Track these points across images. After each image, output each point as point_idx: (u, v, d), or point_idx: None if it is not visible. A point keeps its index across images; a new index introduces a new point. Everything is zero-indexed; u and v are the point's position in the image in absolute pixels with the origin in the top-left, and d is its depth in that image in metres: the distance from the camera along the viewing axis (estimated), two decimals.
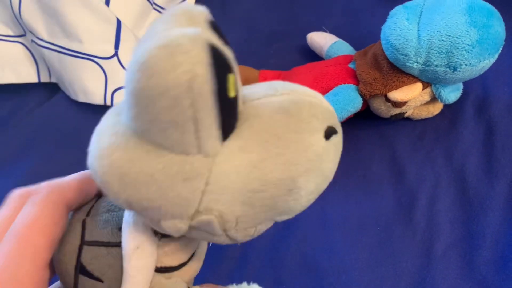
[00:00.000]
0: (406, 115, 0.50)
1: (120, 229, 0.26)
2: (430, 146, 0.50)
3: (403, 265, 0.43)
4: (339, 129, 0.24)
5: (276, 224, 0.46)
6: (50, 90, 0.70)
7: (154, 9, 0.72)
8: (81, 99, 0.63)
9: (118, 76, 0.63)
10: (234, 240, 0.23)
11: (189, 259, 0.28)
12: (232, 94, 0.19)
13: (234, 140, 0.21)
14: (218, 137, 0.20)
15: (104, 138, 0.21)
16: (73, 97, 0.64)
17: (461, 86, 0.49)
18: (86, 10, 0.61)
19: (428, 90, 0.47)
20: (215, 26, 0.20)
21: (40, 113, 0.67)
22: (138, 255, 0.25)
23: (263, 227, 0.23)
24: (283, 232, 0.47)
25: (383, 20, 0.48)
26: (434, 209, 0.46)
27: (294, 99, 0.22)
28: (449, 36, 0.42)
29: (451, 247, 0.43)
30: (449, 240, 0.44)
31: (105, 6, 0.62)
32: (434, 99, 0.48)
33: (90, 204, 0.28)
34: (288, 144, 0.21)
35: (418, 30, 0.44)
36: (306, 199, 0.23)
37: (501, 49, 0.43)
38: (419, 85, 0.46)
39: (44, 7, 0.62)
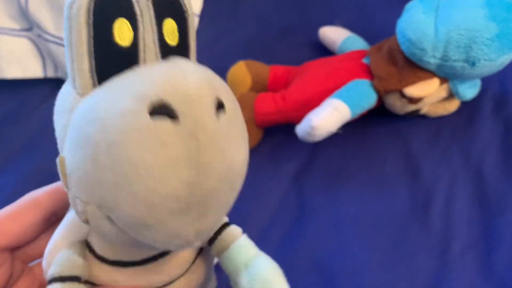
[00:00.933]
0: (421, 112, 0.49)
1: None
2: (446, 144, 0.49)
3: (418, 266, 0.42)
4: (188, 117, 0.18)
5: (286, 223, 0.46)
6: (56, 85, 0.69)
7: None
8: None
9: None
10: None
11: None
12: (123, 42, 0.19)
13: (104, 86, 0.19)
14: (89, 77, 0.19)
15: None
16: None
17: (479, 82, 0.48)
18: None
19: (445, 86, 0.46)
20: None
21: (46, 109, 0.66)
22: None
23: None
24: (293, 232, 0.46)
25: (398, 14, 0.47)
26: (451, 209, 0.45)
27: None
28: (468, 30, 0.41)
29: (468, 248, 0.42)
30: (466, 241, 0.42)
31: None
32: (450, 95, 0.47)
33: None
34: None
35: (436, 24, 0.43)
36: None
37: None
38: (435, 81, 0.45)
39: (51, 1, 0.61)
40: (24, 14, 0.64)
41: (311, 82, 0.49)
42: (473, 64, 0.42)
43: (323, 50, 0.61)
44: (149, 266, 0.25)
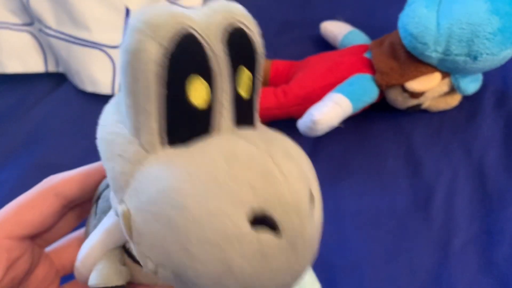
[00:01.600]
0: (423, 106, 0.49)
1: None
2: (447, 139, 0.49)
3: (419, 260, 0.42)
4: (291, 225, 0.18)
5: None
6: (57, 80, 0.69)
7: None
8: (89, 89, 0.62)
9: None
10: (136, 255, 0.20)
11: None
12: (197, 102, 0.18)
13: (178, 150, 0.18)
14: (157, 134, 0.18)
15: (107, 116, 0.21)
16: (81, 87, 0.64)
17: (480, 77, 0.48)
18: None
19: (446, 80, 0.46)
20: (237, 40, 0.19)
21: (47, 104, 0.66)
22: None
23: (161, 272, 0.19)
24: None
25: (399, 9, 0.47)
26: (452, 204, 0.44)
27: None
28: (470, 24, 0.41)
29: (469, 243, 0.42)
30: (467, 236, 0.42)
31: None
32: (452, 90, 0.47)
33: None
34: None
35: (438, 18, 0.43)
36: None
37: None
38: (437, 75, 0.45)
39: None
40: (25, 8, 0.64)
41: (313, 77, 0.48)
42: (475, 58, 0.42)
43: (325, 45, 0.60)
44: None
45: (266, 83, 0.54)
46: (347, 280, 0.42)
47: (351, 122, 0.50)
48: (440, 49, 0.43)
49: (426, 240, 0.43)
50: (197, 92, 0.17)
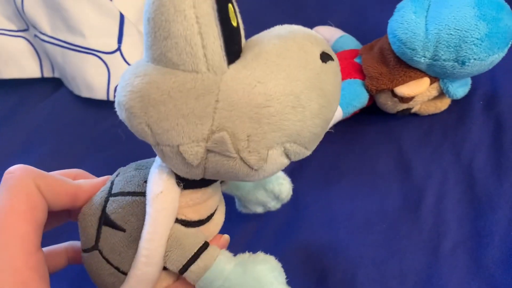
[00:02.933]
0: (413, 110, 0.50)
1: (146, 181, 0.28)
2: (437, 142, 0.49)
3: (410, 263, 0.42)
4: (335, 57, 0.26)
5: (279, 221, 0.46)
6: (53, 85, 0.69)
7: None
8: (84, 94, 0.63)
9: (121, 71, 0.62)
10: (248, 165, 0.24)
11: (208, 219, 0.29)
12: (234, 23, 0.23)
13: (239, 63, 0.23)
14: (223, 56, 0.22)
15: (127, 75, 0.23)
16: (76, 92, 0.64)
17: (469, 81, 0.48)
18: (89, 5, 0.60)
19: (435, 85, 0.46)
20: None
21: (43, 109, 0.67)
22: (160, 199, 0.26)
23: (275, 155, 0.24)
24: (286, 229, 0.46)
25: (390, 14, 0.47)
26: (442, 206, 0.45)
27: (289, 29, 0.25)
28: (458, 29, 0.41)
29: (458, 245, 0.42)
30: (457, 238, 0.43)
31: (108, 0, 0.61)
32: (441, 94, 0.48)
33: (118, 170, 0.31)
34: (288, 62, 0.23)
35: (426, 24, 0.43)
36: (311, 122, 0.24)
37: (511, 43, 0.43)
38: (426, 80, 0.45)
39: (47, 2, 0.61)
40: (20, 14, 0.64)
41: None
42: (463, 63, 0.42)
43: None
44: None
45: None
46: (339, 282, 0.42)
47: (342, 126, 0.51)
48: (428, 54, 0.43)
49: (417, 243, 0.43)
50: (232, 15, 0.23)
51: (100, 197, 0.29)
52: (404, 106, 0.48)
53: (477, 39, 0.41)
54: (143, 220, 0.27)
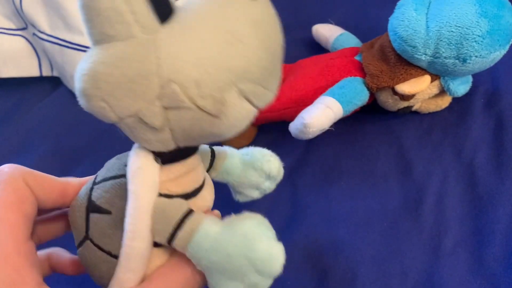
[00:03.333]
0: (413, 108, 0.49)
1: (126, 165, 0.28)
2: (438, 141, 0.49)
3: (411, 262, 0.42)
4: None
5: (280, 220, 0.46)
6: (52, 84, 0.69)
7: None
8: None
9: None
10: (208, 112, 0.25)
11: (194, 193, 0.30)
12: None
13: (172, 21, 0.24)
14: (153, 17, 0.23)
15: (78, 66, 0.25)
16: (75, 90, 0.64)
17: (470, 78, 0.48)
18: None
19: (436, 82, 0.46)
20: None
21: (42, 107, 0.67)
22: (139, 174, 0.27)
23: (233, 98, 0.25)
24: (287, 228, 0.46)
25: (390, 11, 0.47)
26: (442, 205, 0.45)
27: None
28: (459, 27, 0.41)
29: (459, 243, 0.42)
30: (458, 236, 0.43)
31: None
32: (442, 92, 0.47)
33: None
34: (217, 8, 0.24)
35: (427, 21, 0.43)
36: (255, 55, 0.25)
37: None
38: (427, 78, 0.45)
39: (46, 0, 0.61)
40: (18, 13, 0.64)
41: (304, 80, 0.49)
42: (464, 61, 0.42)
43: (317, 48, 0.61)
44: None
45: None
46: (339, 282, 0.42)
47: (342, 124, 0.50)
48: (429, 52, 0.43)
49: (417, 242, 0.43)
50: None
51: (85, 189, 0.30)
52: (405, 104, 0.47)
53: (479, 36, 0.41)
54: (127, 199, 0.27)
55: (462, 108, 0.50)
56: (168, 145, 0.27)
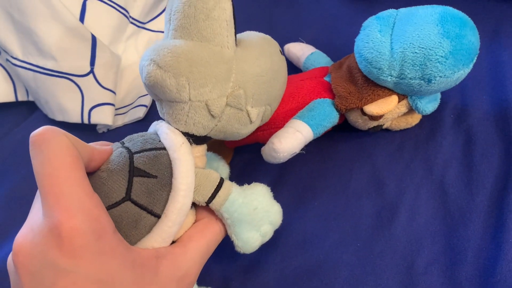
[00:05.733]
0: (384, 126, 0.50)
1: (160, 141, 0.35)
2: (409, 158, 0.49)
3: (385, 282, 0.42)
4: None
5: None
6: (28, 109, 0.69)
7: (131, 23, 0.71)
8: (58, 118, 0.62)
9: (95, 93, 0.62)
10: (250, 117, 0.37)
11: None
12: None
13: (239, 47, 0.36)
14: (234, 39, 0.35)
15: (153, 51, 0.33)
16: (50, 116, 0.64)
17: (438, 96, 0.48)
18: (60, 28, 0.60)
19: (404, 102, 0.46)
20: None
21: (18, 133, 0.66)
22: (184, 147, 0.34)
23: (261, 113, 0.39)
24: (262, 249, 0.46)
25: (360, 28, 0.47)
26: (415, 223, 0.45)
27: (257, 33, 0.42)
28: (422, 48, 0.41)
29: (432, 263, 0.43)
30: (430, 255, 0.43)
31: (79, 22, 0.61)
32: (412, 109, 0.47)
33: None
34: (267, 49, 0.39)
35: (391, 42, 0.43)
36: (280, 91, 0.42)
37: (475, 58, 0.43)
38: (394, 98, 0.45)
39: (18, 26, 0.61)
40: None
41: None
42: (429, 81, 0.42)
43: (290, 66, 0.60)
44: None
45: None
46: None
47: (314, 144, 0.50)
48: (394, 73, 0.43)
49: (391, 261, 0.43)
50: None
51: (122, 157, 0.33)
52: (375, 123, 0.48)
53: (442, 56, 0.41)
54: (169, 167, 0.34)
55: (432, 124, 0.51)
56: (207, 131, 0.36)
